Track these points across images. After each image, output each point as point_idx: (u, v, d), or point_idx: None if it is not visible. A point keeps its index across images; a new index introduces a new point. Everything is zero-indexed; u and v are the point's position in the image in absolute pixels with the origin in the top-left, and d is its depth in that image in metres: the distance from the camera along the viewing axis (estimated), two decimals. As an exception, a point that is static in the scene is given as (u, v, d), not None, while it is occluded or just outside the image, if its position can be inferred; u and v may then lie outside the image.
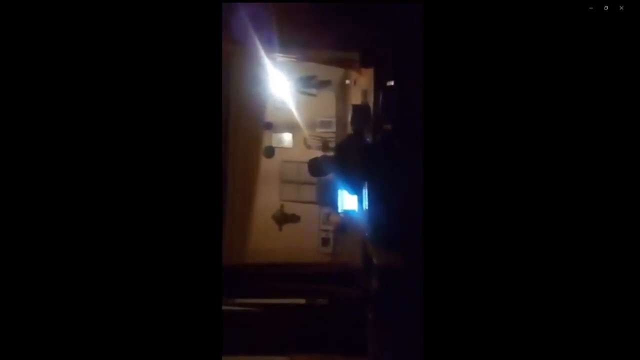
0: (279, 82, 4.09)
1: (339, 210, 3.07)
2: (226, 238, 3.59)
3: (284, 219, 4.36)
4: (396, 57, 2.44)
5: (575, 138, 0.98)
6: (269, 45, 2.83)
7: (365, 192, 2.43)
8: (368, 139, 2.64)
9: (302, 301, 2.94)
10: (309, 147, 4.52)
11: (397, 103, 2.35)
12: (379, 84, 2.69)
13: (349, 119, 3.24)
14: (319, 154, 3.80)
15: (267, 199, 4.50)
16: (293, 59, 3.48)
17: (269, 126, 4.62)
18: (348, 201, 2.87)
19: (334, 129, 4.60)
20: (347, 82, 4.05)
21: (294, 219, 4.39)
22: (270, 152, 4.61)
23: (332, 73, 4.29)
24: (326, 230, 4.43)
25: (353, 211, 2.84)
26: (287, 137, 4.64)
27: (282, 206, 4.46)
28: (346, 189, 2.67)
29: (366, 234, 2.59)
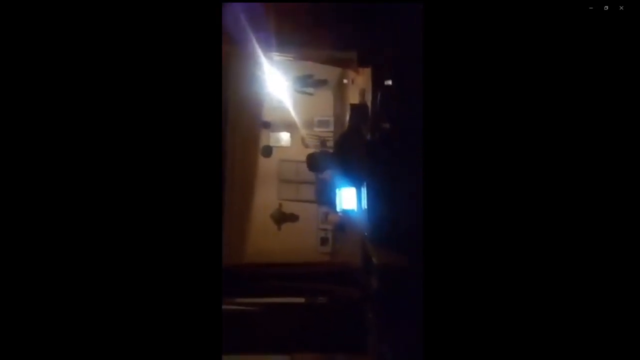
0: (277, 82, 4.08)
1: (338, 209, 3.07)
2: (225, 238, 3.59)
3: (282, 218, 4.36)
4: (394, 56, 2.44)
5: (575, 138, 0.99)
6: (266, 45, 2.83)
7: (364, 191, 2.43)
8: (367, 138, 2.64)
9: (301, 300, 2.94)
10: (306, 146, 4.52)
11: (395, 102, 2.35)
12: (376, 83, 2.70)
13: (347, 118, 3.24)
14: (317, 153, 3.80)
15: (266, 198, 4.50)
16: (290, 58, 3.47)
17: (267, 125, 4.61)
18: (347, 200, 2.87)
19: (331, 128, 4.60)
20: (345, 81, 4.05)
21: (293, 218, 4.39)
22: (268, 151, 4.60)
23: (330, 72, 4.29)
24: (325, 230, 4.44)
25: (352, 210, 2.84)
26: (284, 137, 4.64)
27: (280, 205, 4.45)
28: (345, 184, 2.68)
29: (365, 233, 2.60)
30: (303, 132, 4.53)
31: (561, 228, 0.98)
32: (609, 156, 0.97)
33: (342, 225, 3.94)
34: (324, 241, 4.46)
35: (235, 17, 2.49)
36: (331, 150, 4.21)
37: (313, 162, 2.46)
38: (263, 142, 4.63)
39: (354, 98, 3.38)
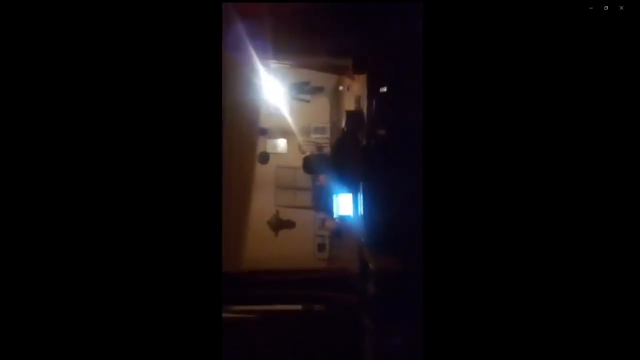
0: (273, 89, 4.10)
1: (335, 215, 3.07)
2: (221, 244, 3.56)
3: (279, 224, 4.35)
4: (389, 63, 2.46)
5: (576, 140, 0.99)
6: (263, 52, 2.85)
7: (360, 197, 2.44)
8: (362, 144, 2.65)
9: (298, 307, 2.92)
10: (303, 152, 4.52)
11: (391, 108, 2.37)
12: (372, 89, 2.72)
13: (343, 124, 3.26)
14: (313, 159, 3.80)
15: (262, 204, 4.49)
16: (287, 66, 3.49)
17: (264, 132, 4.62)
18: (343, 206, 2.88)
19: (328, 135, 4.61)
20: (341, 88, 4.08)
21: (290, 224, 4.38)
22: (264, 158, 4.60)
23: (326, 79, 4.32)
24: (322, 236, 4.42)
25: (348, 216, 2.84)
26: (281, 143, 4.65)
27: (277, 212, 4.44)
28: (341, 190, 2.69)
29: (362, 239, 2.60)
30: (300, 138, 4.54)
31: (560, 231, 0.98)
32: (609, 156, 0.97)
33: (339, 231, 3.94)
34: (321, 247, 4.45)
35: (233, 26, 2.51)
36: (327, 154, 4.23)
37: (309, 165, 2.47)
38: (260, 149, 4.63)
39: (349, 105, 3.40)
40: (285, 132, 4.56)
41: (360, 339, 2.47)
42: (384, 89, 2.46)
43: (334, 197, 3.01)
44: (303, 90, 4.52)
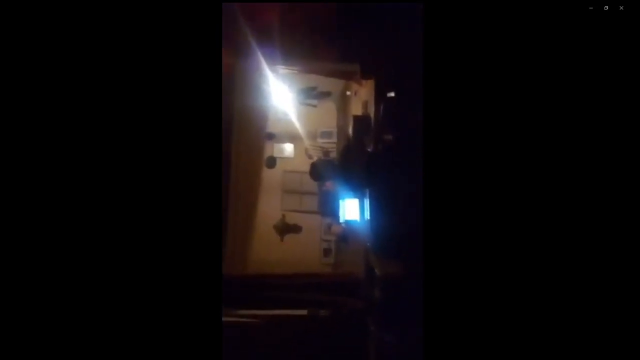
0: (281, 94, 4.14)
1: (341, 220, 3.07)
2: (228, 248, 3.58)
3: (285, 229, 4.36)
4: (396, 68, 2.47)
5: (576, 141, 0.98)
6: (271, 58, 2.88)
7: (366, 201, 2.44)
8: (369, 149, 2.66)
9: (303, 312, 2.91)
10: (310, 157, 4.54)
11: (398, 113, 2.38)
12: (379, 94, 2.73)
13: (350, 129, 3.27)
14: (320, 164, 3.81)
15: (269, 209, 4.50)
16: (295, 71, 3.52)
17: (271, 137, 4.65)
18: (350, 211, 2.88)
19: (334, 140, 4.62)
20: (348, 93, 4.10)
21: (296, 229, 4.39)
22: (272, 162, 4.63)
23: (333, 84, 4.34)
24: (328, 241, 4.42)
25: (355, 221, 2.84)
26: (288, 148, 4.67)
27: (283, 216, 4.46)
28: (348, 195, 2.69)
29: (368, 244, 2.59)
30: (306, 143, 4.56)
31: (561, 232, 0.98)
32: (609, 157, 0.96)
33: (345, 236, 3.93)
34: (326, 252, 4.44)
35: (242, 31, 2.55)
36: (333, 160, 4.23)
37: (315, 171, 2.48)
38: (267, 153, 4.66)
39: (356, 110, 3.41)
40: (293, 137, 4.58)
41: (366, 344, 2.45)
42: (392, 94, 2.47)
43: (340, 201, 3.01)
44: (310, 95, 4.55)
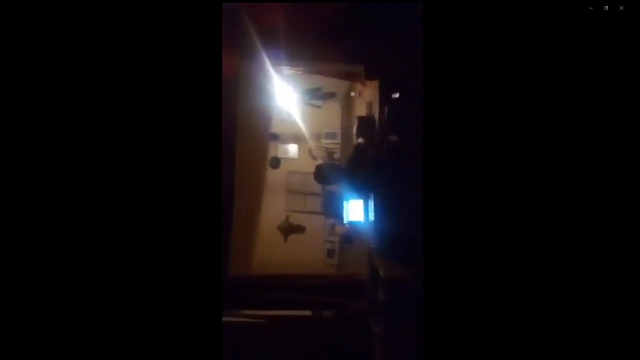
0: (286, 94, 4.14)
1: (345, 221, 3.07)
2: (232, 248, 3.59)
3: (289, 229, 4.36)
4: (401, 68, 2.47)
5: (577, 142, 0.98)
6: (276, 59, 2.89)
7: (371, 202, 2.43)
8: (373, 150, 2.65)
9: (307, 313, 2.91)
10: (314, 158, 4.55)
11: (402, 114, 2.37)
12: (383, 95, 2.73)
13: (354, 130, 3.27)
14: (324, 165, 3.81)
15: (273, 209, 4.51)
16: (299, 72, 3.53)
17: (275, 137, 4.66)
18: (354, 212, 2.87)
19: (338, 140, 4.63)
20: (352, 94, 4.10)
21: (300, 229, 4.39)
22: (276, 163, 4.64)
23: (337, 85, 4.34)
24: (332, 241, 4.42)
25: (359, 222, 2.84)
26: (292, 148, 4.68)
27: (287, 217, 4.46)
28: (352, 196, 2.69)
29: (372, 245, 2.58)
30: (311, 144, 4.57)
31: (562, 235, 0.98)
32: (609, 157, 0.96)
33: (349, 237, 3.93)
34: (330, 253, 4.44)
35: (246, 32, 2.56)
36: (338, 162, 4.23)
37: (320, 174, 2.48)
38: (271, 154, 4.68)
39: (361, 110, 3.41)
40: (297, 138, 4.59)
41: (370, 345, 2.44)
42: (396, 95, 2.46)
43: (344, 202, 3.01)
44: (315, 96, 4.55)
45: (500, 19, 1.02)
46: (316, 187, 4.20)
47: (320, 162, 4.32)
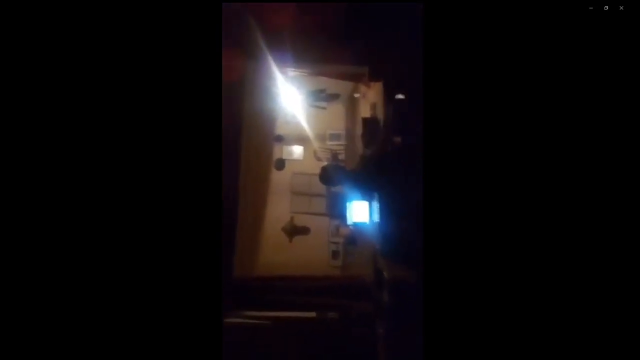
0: (290, 96, 4.16)
1: (349, 222, 3.07)
2: (236, 250, 3.60)
3: (294, 230, 4.36)
4: (405, 70, 2.46)
5: (577, 142, 0.98)
6: (281, 60, 2.90)
7: (375, 204, 2.42)
8: (378, 151, 2.65)
9: (312, 314, 2.91)
10: (318, 159, 4.55)
11: (406, 115, 2.37)
12: (388, 96, 2.72)
13: (359, 131, 3.26)
14: (329, 166, 3.81)
15: (278, 210, 4.51)
16: (303, 73, 3.54)
17: (280, 139, 4.67)
18: (358, 213, 2.87)
19: (343, 142, 4.62)
20: (357, 95, 4.10)
21: (304, 231, 4.39)
22: (281, 164, 4.65)
23: (342, 86, 4.34)
24: (336, 243, 4.41)
25: (363, 223, 2.83)
26: (297, 150, 4.69)
27: (292, 218, 4.46)
28: (356, 197, 2.68)
29: (377, 247, 2.58)
30: (315, 145, 4.57)
31: (562, 236, 0.97)
32: (609, 158, 0.96)
33: (354, 238, 3.92)
34: (335, 254, 4.43)
35: (251, 33, 2.57)
36: (343, 164, 4.23)
37: (325, 175, 2.47)
38: (276, 155, 4.69)
39: (365, 112, 3.41)
40: (302, 139, 4.60)
41: (374, 347, 2.43)
42: (401, 96, 2.46)
43: (349, 204, 3.00)
44: (319, 97, 4.56)
45: (500, 18, 1.02)
46: (321, 188, 4.19)
47: (325, 163, 4.32)
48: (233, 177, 3.63)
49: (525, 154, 1.00)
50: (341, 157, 4.50)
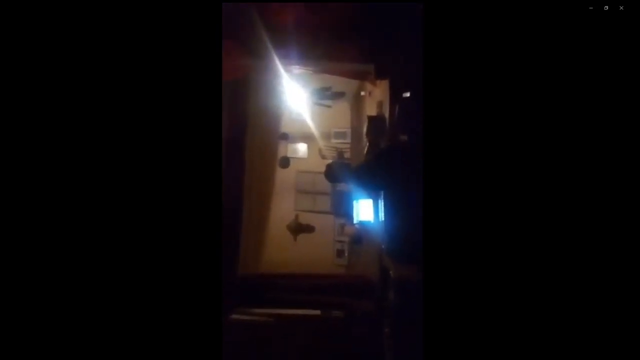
0: (295, 94, 4.15)
1: (354, 221, 3.06)
2: (241, 248, 3.61)
3: (298, 229, 4.36)
4: (410, 68, 2.44)
5: (577, 142, 0.97)
6: (286, 58, 2.89)
7: (381, 202, 2.41)
8: (384, 149, 2.63)
9: (316, 313, 2.91)
10: (323, 157, 4.54)
11: (413, 113, 2.35)
12: (394, 95, 2.70)
13: (365, 130, 3.25)
14: (334, 164, 3.80)
15: (282, 209, 4.52)
16: (309, 71, 3.53)
17: (285, 137, 4.67)
18: (363, 212, 2.86)
19: (348, 140, 4.61)
20: (362, 93, 4.08)
21: (309, 229, 4.39)
22: (285, 162, 4.65)
23: (347, 84, 4.33)
24: (341, 242, 4.41)
25: (368, 222, 2.82)
26: (302, 148, 4.69)
27: (297, 216, 4.46)
28: (361, 196, 2.67)
29: (382, 246, 2.56)
30: (320, 143, 4.56)
31: (562, 236, 0.96)
32: (609, 158, 0.95)
33: (359, 237, 3.91)
34: (340, 253, 4.43)
35: (257, 32, 2.57)
36: (348, 161, 4.22)
37: (331, 173, 2.47)
38: (281, 154, 4.69)
39: (371, 110, 3.39)
40: (306, 137, 4.59)
41: (379, 346, 2.43)
42: (407, 94, 2.44)
43: (354, 202, 2.99)
44: (324, 95, 4.54)
45: (500, 18, 1.01)
46: (326, 186, 4.19)
47: (330, 161, 4.31)
48: (238, 175, 3.63)
49: (525, 154, 0.99)
50: (346, 155, 4.49)
